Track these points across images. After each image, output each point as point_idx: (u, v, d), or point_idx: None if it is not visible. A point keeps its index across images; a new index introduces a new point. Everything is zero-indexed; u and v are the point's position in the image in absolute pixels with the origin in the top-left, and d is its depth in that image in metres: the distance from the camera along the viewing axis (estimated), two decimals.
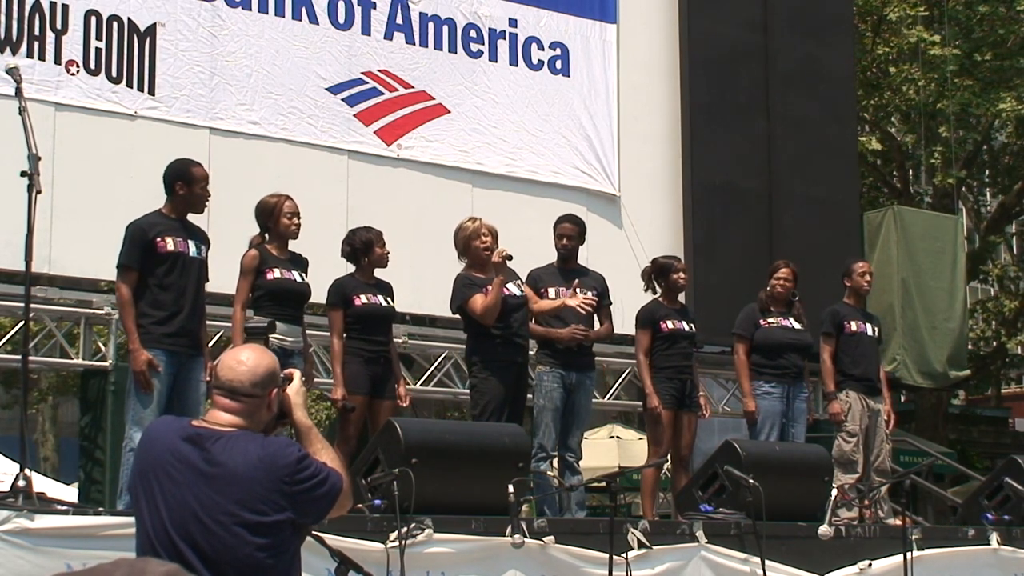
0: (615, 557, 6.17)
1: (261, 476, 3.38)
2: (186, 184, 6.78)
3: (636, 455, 14.62)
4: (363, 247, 7.63)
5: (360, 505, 6.21)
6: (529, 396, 8.05)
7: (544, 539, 6.41)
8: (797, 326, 8.86)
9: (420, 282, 9.20)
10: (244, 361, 3.54)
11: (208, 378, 6.91)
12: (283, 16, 9.57)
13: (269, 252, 7.26)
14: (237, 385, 3.49)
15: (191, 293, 6.75)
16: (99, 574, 2.15)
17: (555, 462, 7.92)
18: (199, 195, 6.84)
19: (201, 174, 6.86)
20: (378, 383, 7.50)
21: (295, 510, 3.42)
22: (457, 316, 7.96)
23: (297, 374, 3.73)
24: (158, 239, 6.66)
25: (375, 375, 7.49)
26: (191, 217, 6.91)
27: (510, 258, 7.63)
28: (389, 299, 7.68)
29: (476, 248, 7.68)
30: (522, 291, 7.83)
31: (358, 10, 9.91)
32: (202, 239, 6.91)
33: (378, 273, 7.73)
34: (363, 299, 7.53)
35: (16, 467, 5.97)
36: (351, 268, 7.79)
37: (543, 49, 10.72)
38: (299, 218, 7.31)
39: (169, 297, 6.66)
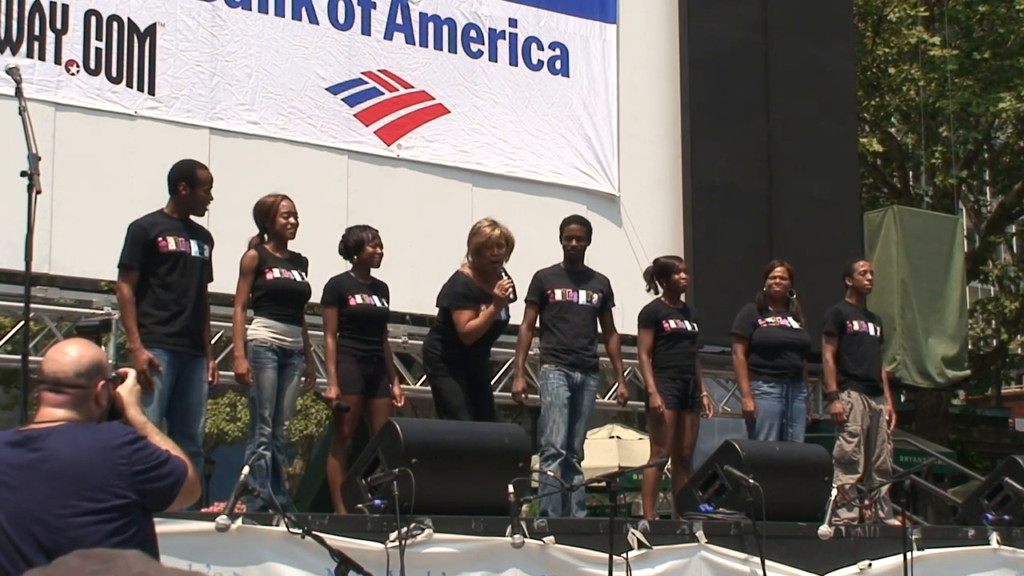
0: (615, 557, 6.17)
1: (96, 461, 3.33)
2: (189, 185, 6.81)
3: (636, 455, 14.62)
4: (354, 246, 7.65)
5: (360, 505, 6.22)
6: (535, 396, 8.05)
7: (544, 539, 6.40)
8: (796, 325, 8.87)
9: (420, 282, 9.19)
10: (68, 352, 3.50)
11: (211, 379, 6.94)
12: (283, 16, 9.57)
13: (268, 252, 7.27)
14: (61, 376, 3.45)
15: (193, 293, 6.77)
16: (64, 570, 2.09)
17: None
18: (201, 197, 6.86)
19: (205, 176, 6.89)
20: (372, 382, 7.51)
21: (137, 492, 3.35)
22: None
23: (132, 373, 3.69)
24: (159, 239, 6.68)
25: (368, 374, 7.50)
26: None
27: (510, 298, 7.53)
28: (384, 300, 7.69)
29: (487, 258, 7.55)
30: (507, 316, 7.75)
31: (358, 10, 9.91)
32: (205, 239, 6.93)
33: (376, 274, 7.74)
34: (358, 299, 7.53)
35: None
36: (350, 267, 7.81)
37: (543, 49, 10.72)
38: (296, 218, 7.32)
39: (171, 297, 6.68)
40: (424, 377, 10.18)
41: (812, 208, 11.62)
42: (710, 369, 10.55)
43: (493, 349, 8.09)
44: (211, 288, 7.08)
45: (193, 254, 6.80)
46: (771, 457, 7.75)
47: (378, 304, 7.63)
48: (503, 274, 7.49)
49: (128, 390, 3.63)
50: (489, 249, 7.55)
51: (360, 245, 7.63)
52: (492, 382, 8.62)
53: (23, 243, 5.55)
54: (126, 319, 6.66)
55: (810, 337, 8.97)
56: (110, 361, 8.76)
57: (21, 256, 5.61)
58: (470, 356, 7.61)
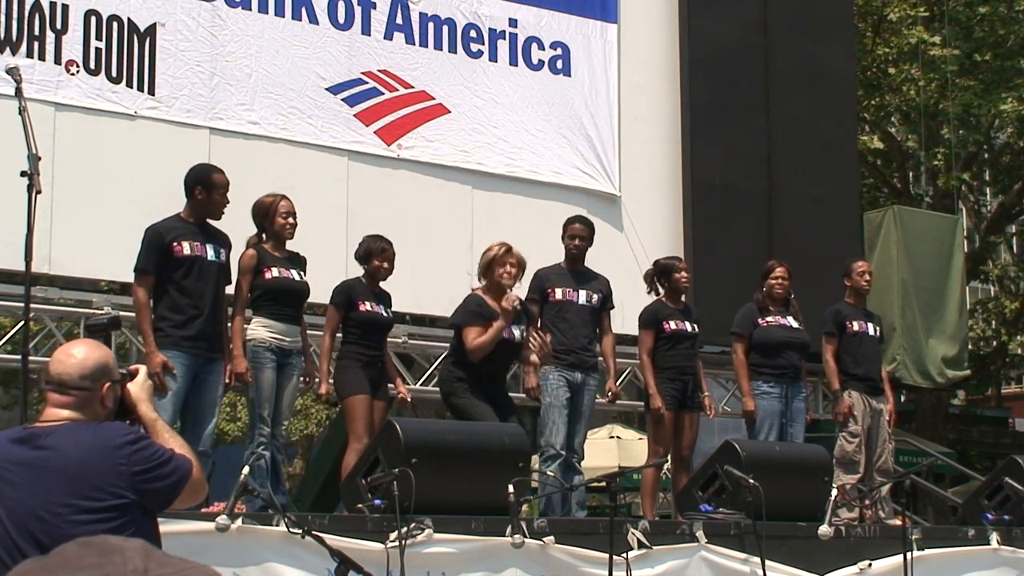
0: (615, 557, 6.18)
1: (96, 460, 3.33)
2: (205, 190, 6.87)
3: (636, 455, 14.61)
4: (364, 255, 7.70)
5: (360, 505, 6.22)
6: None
7: (544, 539, 6.41)
8: (795, 324, 8.87)
9: (420, 282, 9.19)
10: (74, 354, 3.50)
11: (227, 380, 6.98)
12: (283, 16, 9.56)
13: (267, 251, 7.29)
14: (66, 378, 3.45)
15: (210, 296, 6.82)
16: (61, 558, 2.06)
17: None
18: (217, 202, 6.92)
19: (221, 181, 6.95)
20: (375, 385, 7.56)
21: (136, 492, 3.34)
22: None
23: (143, 370, 3.67)
24: (174, 243, 6.74)
25: (371, 377, 7.54)
26: None
27: (518, 309, 7.48)
28: (388, 310, 7.80)
29: (498, 275, 7.49)
30: (522, 335, 7.64)
31: (358, 10, 9.90)
32: (222, 242, 6.97)
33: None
34: (367, 306, 7.59)
35: None
36: (351, 268, 7.82)
37: (543, 49, 10.71)
38: (295, 218, 7.35)
39: (187, 301, 6.75)
40: (424, 377, 10.20)
41: (812, 208, 11.62)
42: (710, 369, 10.53)
43: None
44: None
45: (209, 258, 6.84)
46: (771, 457, 7.76)
47: (384, 314, 7.71)
48: (509, 290, 7.47)
49: (139, 386, 3.61)
50: (500, 266, 7.48)
51: (369, 256, 7.67)
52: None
53: (23, 243, 5.55)
54: (141, 323, 6.71)
55: (809, 337, 8.97)
56: None
57: (21, 256, 5.61)
58: (485, 380, 7.45)
